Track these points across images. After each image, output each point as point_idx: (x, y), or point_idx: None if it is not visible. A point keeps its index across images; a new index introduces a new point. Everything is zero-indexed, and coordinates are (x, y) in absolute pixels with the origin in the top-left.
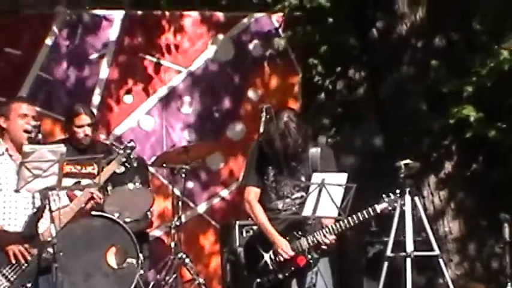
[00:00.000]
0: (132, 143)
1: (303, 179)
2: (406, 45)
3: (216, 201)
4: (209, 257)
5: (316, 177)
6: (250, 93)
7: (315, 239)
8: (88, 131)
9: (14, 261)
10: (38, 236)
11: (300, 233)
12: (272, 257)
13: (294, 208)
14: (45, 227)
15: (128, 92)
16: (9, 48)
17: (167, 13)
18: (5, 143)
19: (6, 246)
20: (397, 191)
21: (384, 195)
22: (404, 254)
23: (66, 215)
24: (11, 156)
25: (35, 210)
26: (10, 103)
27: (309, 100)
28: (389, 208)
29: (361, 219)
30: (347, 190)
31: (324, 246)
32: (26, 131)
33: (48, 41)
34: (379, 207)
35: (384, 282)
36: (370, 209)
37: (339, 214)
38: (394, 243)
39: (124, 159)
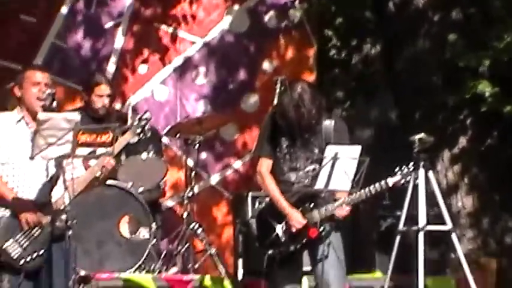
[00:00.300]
0: (147, 114)
1: (316, 151)
2: (423, 18)
3: (229, 172)
4: (222, 228)
5: (330, 150)
6: (265, 65)
7: (327, 211)
8: (106, 101)
9: (26, 228)
10: (51, 204)
11: (312, 205)
12: (284, 228)
13: (306, 181)
14: (59, 195)
15: (143, 62)
16: (24, 16)
17: None
18: (21, 111)
19: (19, 213)
20: (411, 165)
21: (396, 168)
22: (416, 228)
23: (80, 183)
24: (27, 124)
25: (48, 178)
26: (23, 71)
27: (324, 73)
28: (402, 181)
29: (374, 192)
30: (360, 163)
31: (336, 217)
32: (39, 99)
33: (64, 9)
34: (391, 181)
35: (395, 256)
36: (382, 182)
37: (352, 187)
38: (406, 217)
39: (139, 130)
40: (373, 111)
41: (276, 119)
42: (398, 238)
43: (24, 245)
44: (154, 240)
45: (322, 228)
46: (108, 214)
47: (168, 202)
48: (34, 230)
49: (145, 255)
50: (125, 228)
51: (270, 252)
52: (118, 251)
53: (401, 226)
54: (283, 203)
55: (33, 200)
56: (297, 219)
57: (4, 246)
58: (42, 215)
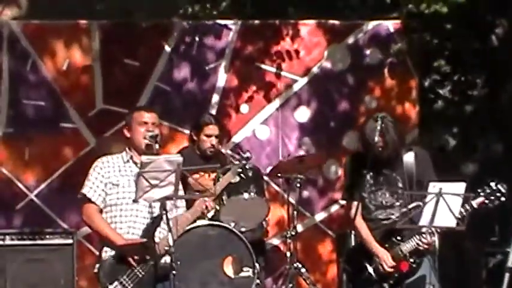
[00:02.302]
0: (248, 154)
1: (400, 185)
2: None
3: (333, 210)
4: (326, 266)
5: (434, 187)
6: (367, 100)
7: (414, 242)
8: (214, 141)
9: (131, 269)
10: (155, 245)
11: (398, 238)
12: (375, 268)
13: (393, 217)
14: (162, 236)
15: (245, 101)
16: (128, 60)
17: (283, 21)
18: (130, 152)
19: (125, 254)
20: (492, 184)
21: (479, 190)
22: None
23: (182, 224)
24: (135, 164)
25: (152, 219)
26: (132, 112)
27: (427, 107)
28: (487, 201)
29: (459, 216)
30: (465, 199)
31: (424, 247)
32: (145, 138)
33: (166, 51)
34: (475, 202)
35: None
36: (466, 206)
37: (457, 224)
38: None
39: (240, 170)
40: (479, 146)
41: (357, 160)
42: (507, 276)
43: (129, 286)
44: (258, 280)
45: (412, 260)
46: (211, 254)
47: (273, 240)
48: (139, 271)
49: None
50: (228, 269)
51: None
52: None
53: (510, 263)
54: (372, 244)
55: (139, 241)
56: (386, 260)
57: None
58: (146, 256)
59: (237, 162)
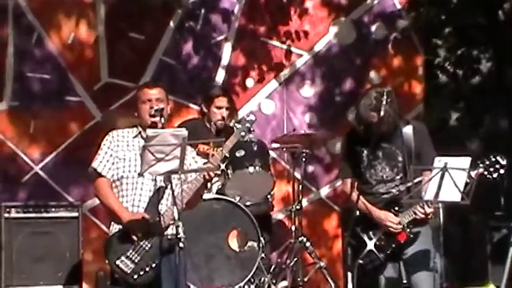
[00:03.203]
0: (251, 116)
1: (400, 158)
2: None
3: (338, 184)
4: (332, 241)
5: (439, 161)
6: (372, 76)
7: (413, 213)
8: (225, 113)
9: (137, 243)
10: (160, 217)
11: (396, 209)
12: (374, 239)
13: (394, 190)
14: (165, 208)
15: (250, 76)
16: (133, 34)
17: None
18: (140, 128)
19: (131, 228)
20: (492, 156)
21: (478, 162)
22: None
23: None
24: (143, 138)
25: (155, 190)
26: (138, 90)
27: (432, 82)
28: (486, 173)
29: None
30: (470, 174)
31: (421, 217)
32: (150, 115)
33: (171, 26)
34: (473, 173)
35: (509, 268)
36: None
37: (462, 199)
38: None
39: (243, 133)
40: (485, 120)
41: (352, 138)
42: (511, 250)
43: (136, 260)
44: (263, 254)
45: (409, 231)
46: (216, 228)
47: (278, 215)
48: (145, 244)
49: (254, 269)
50: (233, 242)
51: (361, 261)
52: (227, 265)
53: None
54: (372, 209)
55: (144, 214)
56: (391, 219)
57: (117, 263)
58: (152, 228)
59: (239, 126)
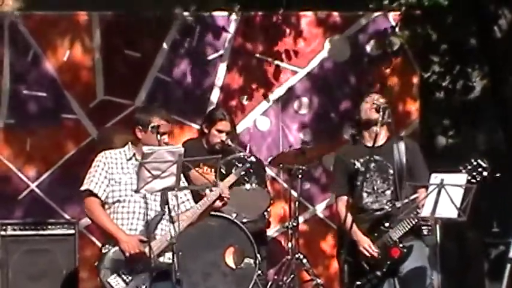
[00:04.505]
0: (252, 158)
1: (391, 171)
2: None
3: (332, 202)
4: (329, 259)
5: (435, 178)
6: (367, 92)
7: (403, 227)
8: (224, 137)
9: (130, 264)
10: (155, 239)
11: (386, 225)
12: (366, 258)
13: (387, 207)
14: (163, 233)
15: (246, 93)
16: (128, 51)
17: (283, 13)
18: (133, 149)
19: (125, 249)
20: (474, 161)
21: (460, 167)
22: None
23: (188, 218)
24: (138, 161)
25: (155, 214)
26: (151, 117)
27: (428, 99)
28: (469, 178)
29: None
30: (467, 191)
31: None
32: (159, 144)
33: (167, 43)
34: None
35: (506, 284)
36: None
37: (459, 215)
38: None
39: (243, 173)
40: (480, 137)
41: (344, 154)
42: (509, 266)
43: (127, 280)
44: (260, 271)
45: (402, 245)
46: (213, 245)
47: (274, 232)
48: (138, 266)
49: (251, 286)
50: (230, 259)
51: (358, 282)
52: (224, 282)
53: (511, 254)
54: (356, 232)
55: (141, 237)
56: (368, 248)
57: (108, 280)
58: (146, 251)
59: (240, 166)
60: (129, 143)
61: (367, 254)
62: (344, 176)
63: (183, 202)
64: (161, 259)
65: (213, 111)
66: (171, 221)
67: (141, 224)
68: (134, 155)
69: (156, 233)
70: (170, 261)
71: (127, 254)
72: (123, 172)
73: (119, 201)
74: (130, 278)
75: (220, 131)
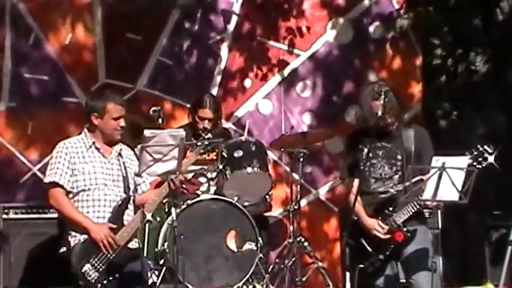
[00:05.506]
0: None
1: (399, 157)
2: None
3: (336, 184)
4: (332, 243)
5: (437, 161)
6: (371, 76)
7: (407, 211)
8: (207, 124)
9: (102, 252)
10: (124, 226)
11: (390, 209)
12: (368, 240)
13: (392, 190)
14: (130, 219)
15: (248, 76)
16: (130, 34)
17: None
18: (92, 136)
19: (95, 237)
20: (480, 146)
21: (466, 153)
22: None
23: (149, 206)
24: (98, 149)
25: (120, 201)
26: (104, 103)
27: (430, 83)
28: (475, 163)
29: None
30: (468, 174)
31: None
32: (117, 130)
33: (168, 26)
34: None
35: (507, 267)
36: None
37: (460, 198)
38: None
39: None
40: (481, 120)
41: (354, 138)
42: (510, 249)
43: (100, 269)
44: (261, 254)
45: (406, 229)
46: (215, 228)
47: (275, 215)
48: (109, 254)
49: (252, 269)
50: (231, 243)
51: (361, 265)
52: (225, 265)
53: None
54: (363, 217)
55: (109, 224)
56: (378, 228)
57: (83, 270)
58: (116, 238)
59: (199, 143)
60: (85, 129)
61: (381, 236)
62: (352, 161)
63: (139, 184)
64: (130, 245)
65: (197, 99)
66: (135, 211)
67: (108, 211)
68: (94, 143)
69: (125, 219)
70: (137, 245)
71: (100, 244)
72: (85, 161)
73: (83, 190)
74: (103, 266)
75: (202, 118)
